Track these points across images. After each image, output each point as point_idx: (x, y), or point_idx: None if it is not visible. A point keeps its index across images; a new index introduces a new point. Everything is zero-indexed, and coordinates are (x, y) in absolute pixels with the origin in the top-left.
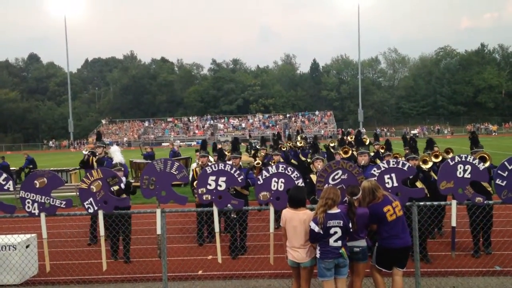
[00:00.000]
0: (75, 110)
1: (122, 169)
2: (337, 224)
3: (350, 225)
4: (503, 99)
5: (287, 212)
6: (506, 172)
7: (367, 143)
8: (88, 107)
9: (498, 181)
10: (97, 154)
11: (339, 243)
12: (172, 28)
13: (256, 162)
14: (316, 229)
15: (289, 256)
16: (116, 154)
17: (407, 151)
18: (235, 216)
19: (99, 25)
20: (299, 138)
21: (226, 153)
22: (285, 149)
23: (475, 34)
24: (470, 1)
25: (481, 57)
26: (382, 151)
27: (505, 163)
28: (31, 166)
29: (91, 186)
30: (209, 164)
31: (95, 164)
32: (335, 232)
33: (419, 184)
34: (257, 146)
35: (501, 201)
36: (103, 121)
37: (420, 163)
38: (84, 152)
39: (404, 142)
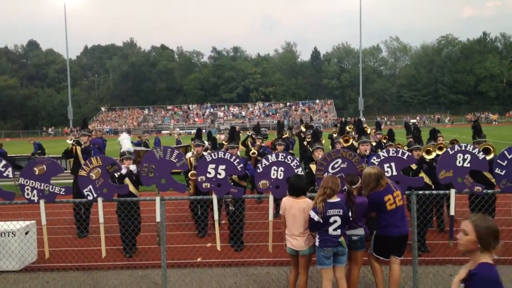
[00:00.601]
0: (75, 97)
1: (131, 157)
2: (337, 213)
3: (350, 214)
4: (504, 88)
5: (287, 200)
6: (506, 161)
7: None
8: (88, 94)
9: (497, 170)
10: (82, 143)
11: (338, 231)
12: (172, 15)
13: (251, 152)
14: (316, 218)
15: (288, 244)
16: (125, 142)
17: (410, 140)
18: (232, 209)
19: (98, 12)
20: (302, 128)
21: (223, 142)
22: (286, 135)
23: (478, 22)
24: None
25: (483, 46)
26: (385, 141)
27: (505, 152)
28: (39, 151)
29: (91, 174)
30: (204, 153)
31: (79, 153)
32: (335, 221)
33: (422, 175)
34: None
35: (500, 190)
36: (103, 109)
37: (424, 154)
38: (68, 141)
39: (407, 130)
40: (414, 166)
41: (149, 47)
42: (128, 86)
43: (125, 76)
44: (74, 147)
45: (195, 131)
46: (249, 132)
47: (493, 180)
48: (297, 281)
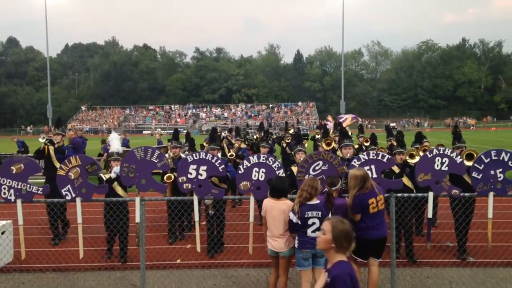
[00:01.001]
0: (54, 96)
1: (120, 158)
2: (315, 215)
3: (330, 215)
4: (482, 93)
5: (268, 202)
6: (482, 165)
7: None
8: (68, 93)
9: (474, 174)
10: (55, 142)
11: (317, 233)
12: (155, 15)
13: (229, 154)
14: (294, 219)
15: (269, 245)
16: (114, 143)
17: (391, 143)
18: (212, 212)
19: (80, 9)
20: (291, 131)
21: (204, 144)
22: (289, 140)
23: (457, 29)
24: None
25: (462, 52)
26: (367, 144)
27: (482, 156)
28: (23, 149)
29: (69, 173)
30: (182, 155)
31: (52, 153)
32: (313, 223)
33: (405, 179)
34: (254, 136)
35: (477, 193)
36: (83, 107)
37: (407, 158)
38: (40, 140)
39: (388, 133)
40: (397, 170)
41: (131, 46)
42: (109, 85)
43: (106, 75)
44: (46, 146)
45: (186, 131)
46: (225, 133)
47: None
48: (277, 282)
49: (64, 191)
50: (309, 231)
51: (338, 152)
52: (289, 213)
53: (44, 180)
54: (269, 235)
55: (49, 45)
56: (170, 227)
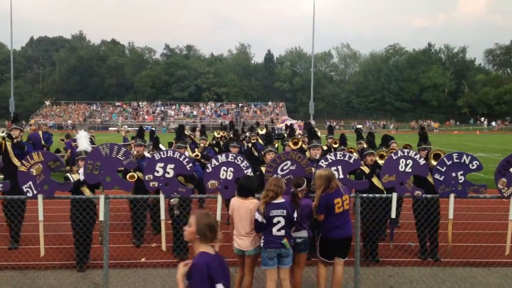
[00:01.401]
0: (17, 90)
1: None
2: (280, 213)
3: (295, 215)
4: (446, 98)
5: (235, 201)
6: (444, 167)
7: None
8: (32, 87)
9: (436, 176)
10: (13, 137)
11: (282, 232)
12: (124, 9)
13: (194, 154)
14: (260, 218)
15: (235, 244)
16: (82, 141)
17: (363, 147)
18: (177, 213)
19: (47, 2)
20: (259, 130)
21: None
22: (254, 141)
23: (424, 33)
24: (421, 2)
25: (427, 56)
26: (336, 146)
27: (444, 159)
28: None
29: (31, 169)
30: (146, 154)
31: (9, 149)
32: (278, 222)
33: (375, 180)
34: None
35: (439, 195)
36: (47, 102)
37: (377, 159)
38: (0, 133)
39: (358, 135)
40: (367, 170)
41: (99, 41)
42: (75, 80)
43: (72, 70)
44: (3, 141)
45: (145, 129)
46: (188, 132)
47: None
48: (242, 281)
49: (26, 187)
50: (274, 230)
51: (307, 153)
52: (255, 212)
53: (2, 177)
54: (235, 234)
55: (14, 37)
56: (135, 230)
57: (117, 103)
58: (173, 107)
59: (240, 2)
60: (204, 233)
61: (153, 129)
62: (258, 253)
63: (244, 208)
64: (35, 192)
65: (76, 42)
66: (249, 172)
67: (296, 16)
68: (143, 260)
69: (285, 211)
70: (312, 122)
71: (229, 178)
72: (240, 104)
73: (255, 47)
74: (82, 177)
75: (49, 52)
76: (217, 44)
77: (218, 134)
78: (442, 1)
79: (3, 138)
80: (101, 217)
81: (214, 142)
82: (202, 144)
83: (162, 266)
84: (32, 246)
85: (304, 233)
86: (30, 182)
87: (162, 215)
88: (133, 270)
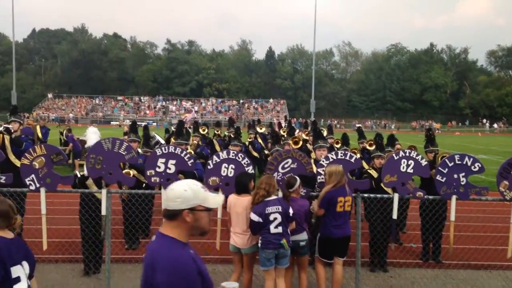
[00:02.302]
0: (19, 82)
1: None
2: (276, 210)
3: (291, 209)
4: (448, 98)
5: (232, 198)
6: (446, 169)
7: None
8: (34, 79)
9: (438, 177)
10: (12, 131)
11: (280, 229)
12: (126, 4)
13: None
14: (256, 218)
15: (231, 241)
16: (91, 137)
17: (363, 145)
18: None
19: None
20: (258, 128)
21: (172, 139)
22: (251, 139)
23: (426, 34)
24: (423, 2)
25: (429, 57)
26: (338, 146)
27: (446, 160)
28: None
29: (34, 162)
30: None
31: (7, 144)
32: (275, 218)
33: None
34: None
35: (440, 196)
36: (49, 95)
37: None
38: None
39: (360, 135)
40: (375, 174)
41: (101, 34)
42: (77, 73)
43: (74, 63)
44: (1, 135)
45: (146, 123)
46: (173, 128)
47: None
48: (239, 279)
49: (28, 180)
50: (271, 227)
51: (313, 154)
52: (250, 213)
53: None
54: (232, 231)
55: (16, 29)
56: (126, 231)
57: (119, 97)
58: (175, 102)
59: None
60: None
61: (146, 124)
62: (255, 251)
63: (241, 206)
64: (37, 185)
65: (78, 35)
66: (250, 169)
67: (297, 13)
68: (144, 255)
69: (279, 207)
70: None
71: (230, 175)
72: (241, 101)
73: (256, 44)
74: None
75: (51, 44)
76: (218, 40)
77: (204, 130)
78: (444, 1)
79: (1, 132)
80: (103, 212)
81: (214, 139)
82: (194, 141)
83: None
84: (35, 239)
85: (304, 235)
86: (33, 175)
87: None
88: (134, 265)
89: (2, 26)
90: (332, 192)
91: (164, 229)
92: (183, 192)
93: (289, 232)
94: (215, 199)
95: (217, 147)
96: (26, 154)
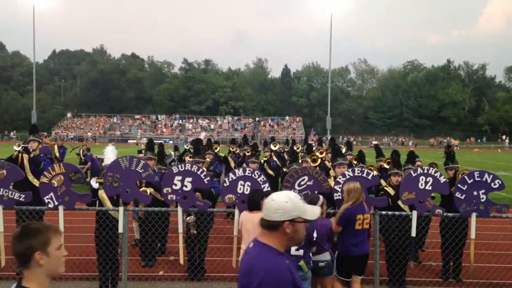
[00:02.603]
0: (40, 102)
1: None
2: None
3: (314, 232)
4: (466, 115)
5: (244, 215)
6: (466, 186)
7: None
8: (53, 100)
9: (457, 195)
10: (30, 150)
11: (301, 252)
12: (144, 24)
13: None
14: None
15: (240, 258)
16: (109, 156)
17: (380, 164)
18: (194, 232)
19: (69, 16)
20: (272, 146)
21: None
22: (266, 158)
23: (442, 50)
24: (439, 18)
25: (446, 73)
26: (355, 162)
27: (465, 177)
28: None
29: (52, 181)
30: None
31: (26, 163)
32: None
33: (401, 202)
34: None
35: (460, 214)
36: (68, 114)
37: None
38: (15, 147)
39: (377, 153)
40: (392, 192)
41: (119, 54)
42: (96, 93)
43: (93, 83)
44: (20, 154)
45: (163, 141)
46: (187, 146)
47: None
48: None
49: (47, 199)
50: (293, 249)
51: (331, 172)
52: None
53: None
54: (242, 248)
55: (36, 50)
56: (143, 249)
57: (136, 116)
58: (191, 121)
59: (257, 17)
60: None
61: (162, 142)
62: None
63: (251, 223)
64: (56, 203)
65: (97, 56)
66: (266, 187)
67: (313, 31)
68: (161, 273)
69: None
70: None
71: (246, 192)
72: (257, 119)
73: (272, 62)
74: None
75: (70, 65)
76: (234, 59)
77: (216, 149)
78: (460, 17)
79: (19, 152)
80: (120, 229)
81: (229, 156)
82: (208, 159)
83: (180, 279)
84: None
85: (326, 256)
86: (52, 193)
87: (180, 228)
88: (151, 283)
89: (23, 48)
90: (351, 209)
91: (262, 237)
92: (284, 204)
93: (310, 255)
94: (313, 211)
95: (232, 164)
96: (45, 173)
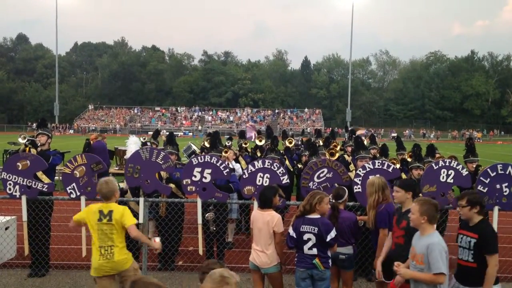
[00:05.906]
0: (62, 94)
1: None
2: (311, 230)
3: (333, 233)
4: (490, 107)
5: (255, 213)
6: (488, 179)
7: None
8: (75, 91)
9: (479, 187)
10: (38, 144)
11: (314, 250)
12: (164, 17)
13: None
14: (291, 232)
15: (251, 257)
16: (132, 147)
17: (402, 157)
18: (214, 229)
19: (91, 9)
20: (287, 142)
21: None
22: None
23: (466, 41)
24: (462, 9)
25: (470, 64)
26: (378, 156)
27: (488, 170)
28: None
29: (75, 171)
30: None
31: None
32: (309, 239)
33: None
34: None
35: None
36: (90, 106)
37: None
38: (20, 140)
39: (398, 145)
40: None
41: (140, 47)
42: (117, 85)
43: (114, 75)
44: (27, 148)
45: (182, 133)
46: (203, 142)
47: None
48: None
49: (69, 189)
50: (305, 248)
51: (351, 166)
52: (272, 225)
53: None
54: (253, 247)
55: (58, 43)
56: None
57: (157, 108)
58: (210, 113)
59: (277, 9)
60: None
61: (216, 131)
62: (277, 271)
63: (262, 221)
64: (78, 193)
65: (118, 48)
66: (285, 179)
67: (333, 22)
68: (180, 263)
69: (316, 228)
70: (364, 132)
71: (266, 184)
72: (276, 111)
73: (292, 54)
74: (126, 186)
75: (92, 58)
76: (254, 51)
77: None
78: (485, 8)
79: (26, 145)
80: (141, 220)
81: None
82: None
83: (199, 270)
84: (75, 246)
85: (349, 249)
86: (74, 184)
87: (199, 219)
88: (170, 273)
89: (46, 40)
90: (387, 206)
91: None
92: None
93: (329, 254)
94: None
95: (243, 164)
96: (68, 164)
